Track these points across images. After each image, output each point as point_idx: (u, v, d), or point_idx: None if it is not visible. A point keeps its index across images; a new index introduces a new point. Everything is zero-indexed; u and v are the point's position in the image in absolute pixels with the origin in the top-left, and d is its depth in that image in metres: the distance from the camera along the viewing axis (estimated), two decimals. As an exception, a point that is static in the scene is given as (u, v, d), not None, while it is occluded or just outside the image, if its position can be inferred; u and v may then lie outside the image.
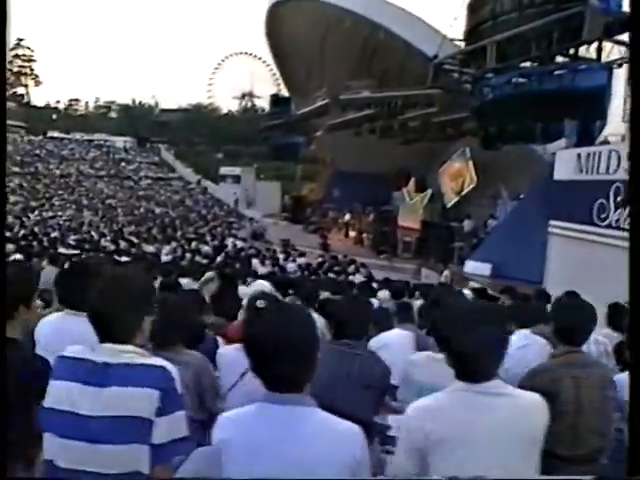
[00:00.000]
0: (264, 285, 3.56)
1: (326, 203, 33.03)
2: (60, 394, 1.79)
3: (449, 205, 24.79)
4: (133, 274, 1.98)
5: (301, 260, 18.55)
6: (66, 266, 6.75)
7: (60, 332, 2.59)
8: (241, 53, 63.69)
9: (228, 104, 66.23)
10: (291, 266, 17.42)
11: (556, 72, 13.35)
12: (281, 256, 19.00)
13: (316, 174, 38.09)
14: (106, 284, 1.88)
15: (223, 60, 63.38)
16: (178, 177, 45.97)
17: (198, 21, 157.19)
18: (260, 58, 62.21)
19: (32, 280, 2.33)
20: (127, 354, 1.80)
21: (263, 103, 61.82)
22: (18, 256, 7.36)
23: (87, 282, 2.77)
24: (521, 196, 20.45)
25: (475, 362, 1.74)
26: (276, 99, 35.64)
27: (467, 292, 6.65)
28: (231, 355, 2.65)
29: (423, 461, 1.72)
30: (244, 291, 6.81)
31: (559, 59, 14.27)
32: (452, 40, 17.43)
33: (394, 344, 3.97)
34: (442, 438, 1.69)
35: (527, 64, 14.63)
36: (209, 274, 7.67)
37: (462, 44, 17.72)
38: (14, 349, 2.09)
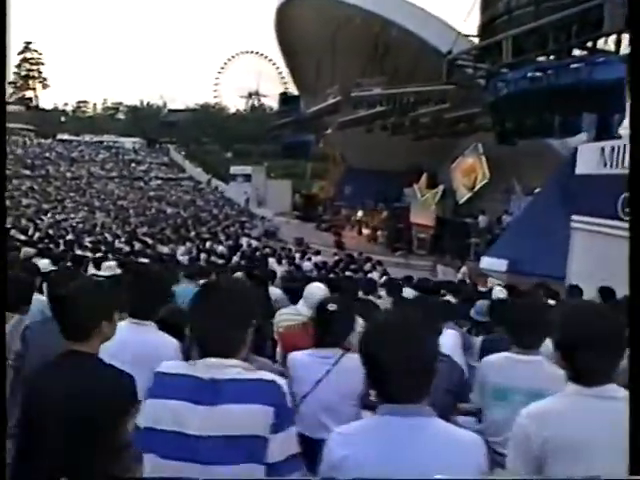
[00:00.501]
0: (320, 288, 3.51)
1: (337, 201, 33.00)
2: (162, 413, 1.69)
3: (461, 201, 24.70)
4: (239, 285, 1.90)
5: (317, 258, 18.50)
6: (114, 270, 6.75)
7: (127, 343, 2.49)
8: (247, 52, 63.74)
9: (235, 103, 66.55)
10: (307, 265, 17.36)
11: (574, 65, 13.27)
12: (297, 255, 18.94)
13: (326, 172, 38.04)
14: (214, 296, 1.76)
15: (229, 59, 63.49)
16: (188, 177, 46.03)
17: (204, 21, 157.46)
18: (266, 57, 62.32)
19: (112, 292, 2.27)
20: (234, 369, 1.70)
21: (270, 102, 62.00)
22: (45, 261, 7.28)
23: (153, 290, 2.75)
24: (536, 191, 20.35)
25: (593, 365, 1.68)
26: (285, 97, 35.62)
27: (499, 289, 6.60)
28: (305, 361, 2.59)
29: (540, 468, 1.67)
30: (272, 291, 6.81)
31: (576, 52, 14.17)
32: (466, 36, 17.33)
33: (444, 344, 3.92)
34: (561, 444, 1.64)
35: (542, 58, 14.54)
36: (237, 275, 7.66)
37: (475, 39, 17.68)
38: (94, 365, 2.01)
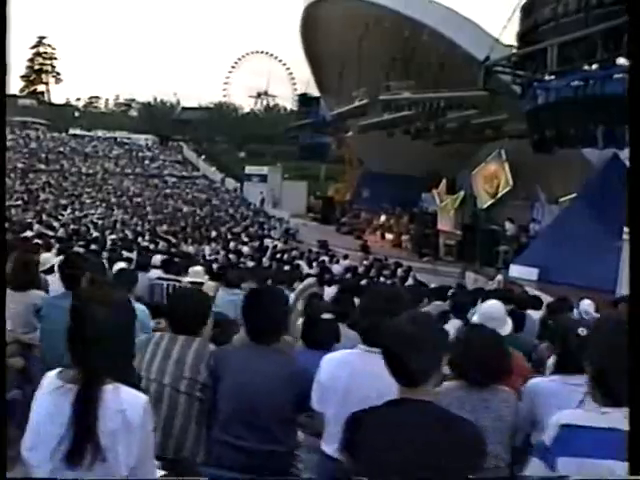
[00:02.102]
0: (500, 308, 3.26)
1: (354, 204, 32.81)
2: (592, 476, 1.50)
3: (483, 207, 24.53)
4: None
5: (345, 262, 18.37)
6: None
7: (364, 376, 2.24)
8: (257, 52, 63.79)
9: (247, 102, 66.44)
10: (336, 268, 17.21)
11: (618, 75, 13.08)
12: (326, 258, 18.79)
13: (341, 174, 37.89)
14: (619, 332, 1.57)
15: (239, 59, 63.55)
16: (202, 175, 45.78)
17: (220, 18, 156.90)
18: (276, 57, 62.37)
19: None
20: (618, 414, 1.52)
21: (284, 102, 62.07)
22: (122, 264, 6.92)
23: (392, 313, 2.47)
24: (561, 199, 20.18)
25: None
26: (305, 98, 35.39)
27: (587, 302, 6.45)
28: (553, 389, 2.43)
29: None
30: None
31: (621, 61, 13.98)
32: (509, 46, 17.14)
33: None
34: None
35: (587, 67, 14.34)
36: (309, 281, 7.51)
37: (509, 46, 17.49)
38: (443, 416, 1.73)
